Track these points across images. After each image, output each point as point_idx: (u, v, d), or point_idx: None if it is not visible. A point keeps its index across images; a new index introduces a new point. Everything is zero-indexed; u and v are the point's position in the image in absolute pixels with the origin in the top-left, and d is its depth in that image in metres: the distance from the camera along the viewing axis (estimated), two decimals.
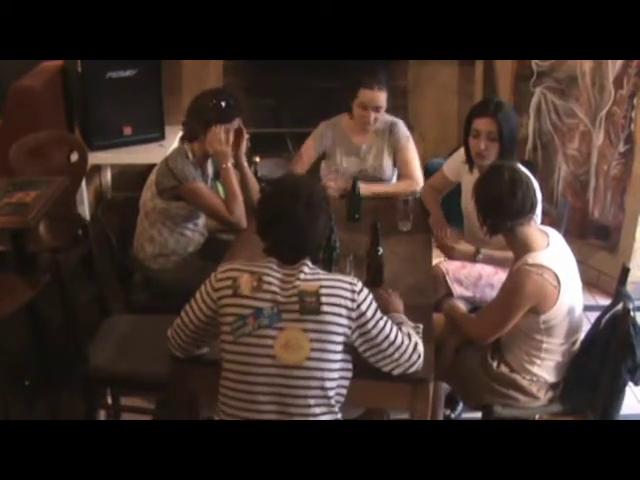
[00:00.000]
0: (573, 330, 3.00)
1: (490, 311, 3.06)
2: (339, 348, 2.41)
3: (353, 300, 2.42)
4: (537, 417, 3.21)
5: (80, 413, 3.31)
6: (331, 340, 2.39)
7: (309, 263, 2.50)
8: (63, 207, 4.21)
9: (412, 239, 3.61)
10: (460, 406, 3.67)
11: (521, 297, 2.84)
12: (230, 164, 3.64)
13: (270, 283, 2.43)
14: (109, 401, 3.59)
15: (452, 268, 3.48)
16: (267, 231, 2.54)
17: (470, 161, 3.59)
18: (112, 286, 3.62)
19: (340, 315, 2.40)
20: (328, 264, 3.08)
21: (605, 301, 4.65)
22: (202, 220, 3.78)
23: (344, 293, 2.42)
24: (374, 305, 2.48)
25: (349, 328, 2.42)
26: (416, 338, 2.58)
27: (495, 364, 3.06)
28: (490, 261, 3.55)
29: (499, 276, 3.49)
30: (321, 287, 2.41)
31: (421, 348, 2.56)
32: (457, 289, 3.46)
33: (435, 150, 5.59)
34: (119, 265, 3.66)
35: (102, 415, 3.60)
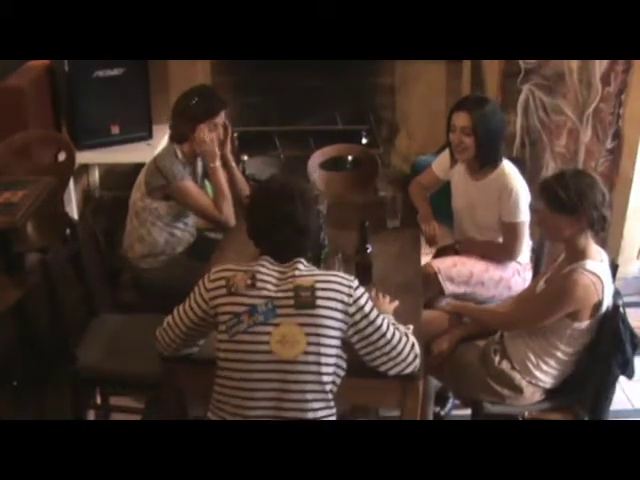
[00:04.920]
0: (588, 344, 2.98)
1: (529, 303, 3.06)
2: (335, 342, 2.42)
3: (350, 295, 2.43)
4: (526, 413, 3.21)
5: (69, 413, 3.30)
6: (327, 334, 2.40)
7: (304, 261, 2.51)
8: (51, 207, 4.19)
9: (400, 236, 3.61)
10: (450, 403, 3.68)
11: (569, 297, 2.82)
12: (218, 163, 3.63)
13: (264, 280, 2.44)
14: (98, 401, 3.58)
15: (443, 267, 3.49)
16: (264, 234, 2.55)
17: (453, 158, 3.62)
18: (100, 286, 3.61)
19: (336, 309, 2.41)
20: (316, 262, 3.07)
21: None
22: (192, 219, 3.77)
23: (340, 288, 2.43)
24: (371, 303, 2.49)
25: (345, 323, 2.43)
26: (413, 338, 2.59)
27: (497, 359, 3.05)
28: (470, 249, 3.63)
29: (490, 274, 3.51)
30: (317, 282, 2.42)
31: (417, 348, 2.57)
32: (449, 287, 3.46)
33: (423, 147, 5.60)
34: (107, 264, 3.65)
35: (91, 415, 3.59)
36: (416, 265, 3.42)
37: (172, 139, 3.66)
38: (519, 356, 3.02)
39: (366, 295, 2.49)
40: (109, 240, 3.68)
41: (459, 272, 3.49)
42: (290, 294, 2.41)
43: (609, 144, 4.55)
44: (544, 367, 2.99)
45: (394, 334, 2.51)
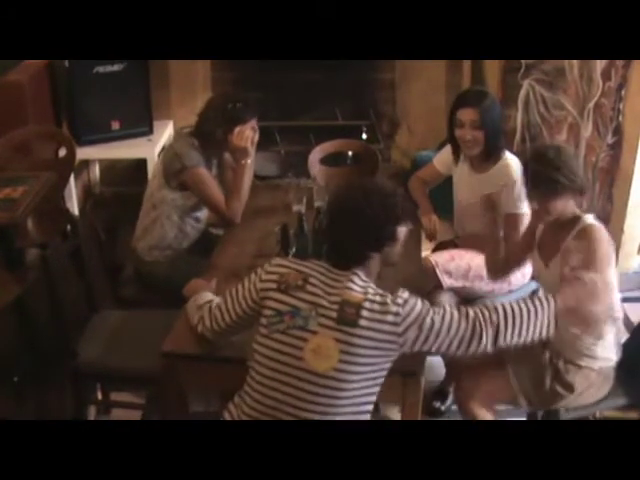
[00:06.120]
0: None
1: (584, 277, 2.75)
2: (371, 361, 2.33)
3: (397, 314, 2.32)
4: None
5: (69, 409, 3.31)
6: (363, 354, 2.31)
7: (362, 275, 2.42)
8: (51, 202, 4.19)
9: None
10: (450, 399, 3.68)
11: (609, 247, 2.80)
12: (250, 161, 3.66)
13: (315, 285, 2.39)
14: (99, 397, 3.59)
15: (441, 260, 3.48)
16: (328, 233, 2.50)
17: (456, 153, 3.62)
18: (100, 282, 3.62)
19: (381, 331, 2.32)
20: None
21: None
22: (204, 214, 3.78)
23: (389, 308, 2.33)
24: (422, 313, 2.36)
25: (395, 344, 2.33)
26: (474, 323, 2.39)
27: (561, 363, 2.92)
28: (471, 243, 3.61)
29: None
30: (366, 300, 2.34)
31: (484, 334, 2.38)
32: (447, 281, 3.46)
33: (423, 143, 5.59)
34: (107, 260, 3.65)
35: (92, 410, 3.60)
36: (417, 260, 3.42)
37: (194, 136, 3.67)
38: (577, 353, 2.91)
39: (417, 305, 2.36)
40: (110, 236, 3.69)
41: (457, 266, 3.48)
42: (335, 306, 2.34)
43: (610, 139, 4.55)
44: (595, 342, 2.88)
45: (450, 331, 2.37)
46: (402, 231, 2.50)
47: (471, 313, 2.41)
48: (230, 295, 2.58)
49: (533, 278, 3.53)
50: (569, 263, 2.75)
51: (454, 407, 3.65)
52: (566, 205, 2.83)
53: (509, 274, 3.34)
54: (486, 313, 2.42)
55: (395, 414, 3.32)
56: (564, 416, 2.96)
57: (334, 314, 2.33)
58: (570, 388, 2.91)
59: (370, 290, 2.38)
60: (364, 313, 2.32)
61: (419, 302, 2.39)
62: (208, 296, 2.76)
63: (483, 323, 2.39)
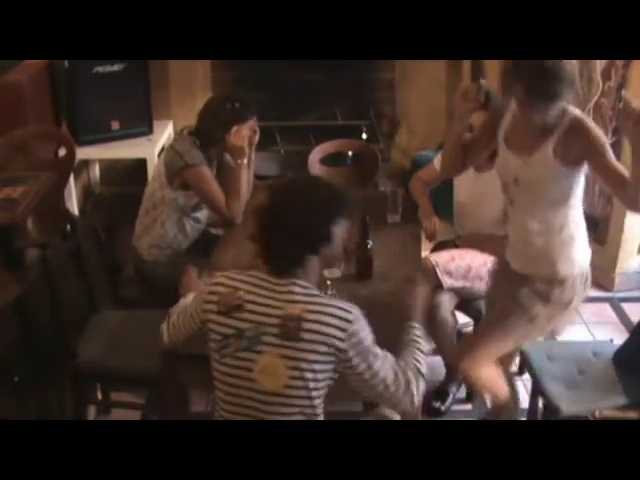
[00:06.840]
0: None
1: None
2: (322, 376, 2.26)
3: (344, 330, 2.22)
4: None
5: (70, 409, 3.31)
6: (312, 369, 2.23)
7: (301, 282, 2.30)
8: (51, 202, 4.20)
9: (401, 231, 3.62)
10: (450, 398, 3.68)
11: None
12: (245, 161, 3.69)
13: (254, 302, 2.29)
14: (99, 397, 3.59)
15: (442, 260, 3.49)
16: (261, 237, 2.38)
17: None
18: (100, 281, 3.62)
19: (324, 344, 2.22)
20: None
21: (594, 292, 4.66)
22: (204, 214, 3.79)
23: (334, 321, 2.22)
24: (368, 338, 2.27)
25: (335, 357, 2.23)
26: (410, 375, 2.33)
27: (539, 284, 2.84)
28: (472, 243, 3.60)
29: (488, 268, 3.50)
30: (307, 311, 2.23)
31: (415, 388, 2.32)
32: (447, 281, 3.46)
33: (423, 143, 5.60)
34: (107, 260, 3.65)
35: (92, 410, 3.60)
36: (417, 261, 3.43)
37: (195, 135, 3.69)
38: (536, 254, 2.86)
39: (365, 331, 2.26)
40: (110, 236, 3.69)
41: (457, 266, 3.48)
42: (277, 321, 2.24)
43: (610, 139, 4.54)
44: (560, 234, 2.83)
45: (387, 375, 2.29)
46: (338, 230, 2.35)
47: (405, 377, 2.32)
48: (184, 311, 2.53)
49: None
50: (566, 155, 2.74)
51: (454, 407, 3.67)
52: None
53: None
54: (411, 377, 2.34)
55: (395, 414, 3.31)
56: (566, 411, 2.95)
57: (277, 330, 2.24)
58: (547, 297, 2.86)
59: (312, 299, 2.28)
60: (306, 325, 2.22)
61: (367, 328, 2.29)
62: (183, 303, 2.68)
63: (408, 392, 2.32)
